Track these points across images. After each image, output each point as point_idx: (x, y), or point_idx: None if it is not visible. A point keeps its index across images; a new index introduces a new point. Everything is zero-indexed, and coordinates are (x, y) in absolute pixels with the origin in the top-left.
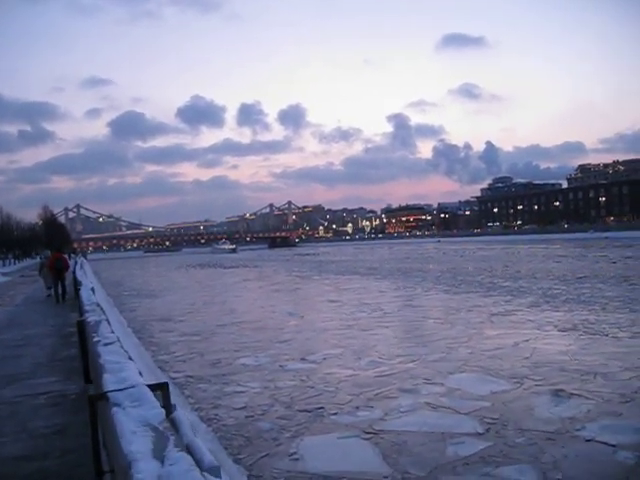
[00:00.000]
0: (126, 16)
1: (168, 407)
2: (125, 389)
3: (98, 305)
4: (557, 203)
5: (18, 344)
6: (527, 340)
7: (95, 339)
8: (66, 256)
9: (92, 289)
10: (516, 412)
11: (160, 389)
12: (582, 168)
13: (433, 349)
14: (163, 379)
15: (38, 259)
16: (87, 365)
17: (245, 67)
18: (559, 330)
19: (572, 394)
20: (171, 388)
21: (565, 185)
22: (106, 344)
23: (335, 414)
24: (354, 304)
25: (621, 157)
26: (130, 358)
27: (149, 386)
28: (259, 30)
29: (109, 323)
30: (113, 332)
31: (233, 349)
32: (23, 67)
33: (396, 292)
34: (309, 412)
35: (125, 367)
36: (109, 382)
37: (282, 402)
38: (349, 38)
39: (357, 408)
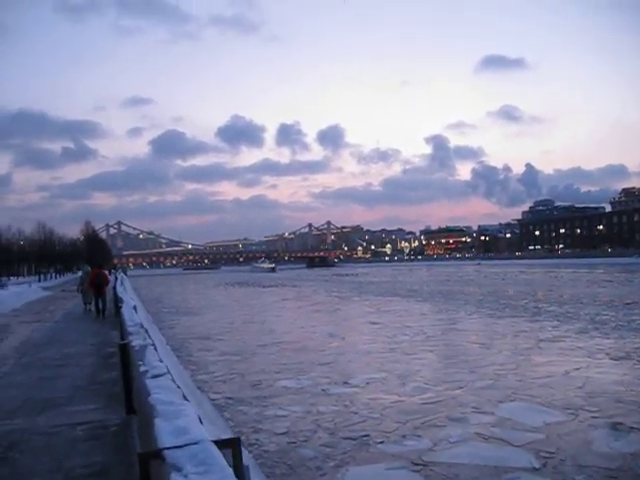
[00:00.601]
0: (166, 37)
1: (240, 470)
2: (185, 446)
3: (142, 326)
4: (600, 227)
5: (57, 364)
6: (578, 368)
7: (142, 368)
8: (106, 272)
9: (134, 307)
10: (573, 446)
11: (230, 446)
12: (626, 192)
13: (480, 376)
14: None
15: (79, 274)
16: (129, 393)
17: (284, 87)
18: (611, 358)
19: (632, 428)
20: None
21: (608, 209)
22: (155, 376)
23: (381, 443)
24: (396, 326)
25: None
26: (185, 397)
27: (216, 442)
28: (297, 51)
29: (155, 348)
30: (162, 360)
31: (274, 370)
32: (66, 86)
33: (438, 315)
34: (354, 440)
35: (182, 411)
36: (164, 433)
37: (325, 428)
38: (388, 59)
39: (404, 437)
